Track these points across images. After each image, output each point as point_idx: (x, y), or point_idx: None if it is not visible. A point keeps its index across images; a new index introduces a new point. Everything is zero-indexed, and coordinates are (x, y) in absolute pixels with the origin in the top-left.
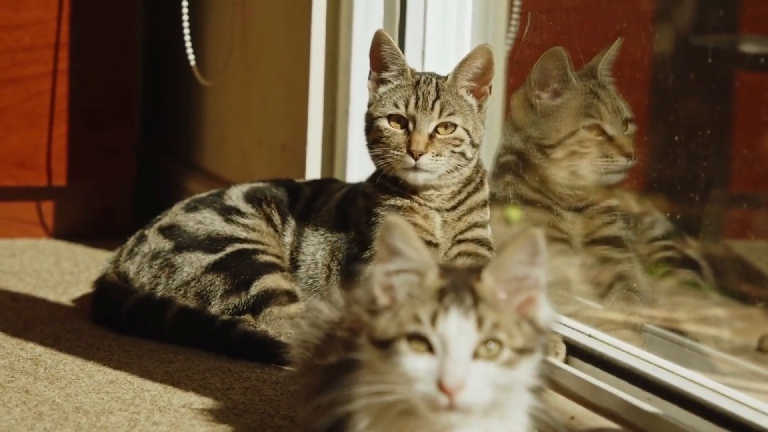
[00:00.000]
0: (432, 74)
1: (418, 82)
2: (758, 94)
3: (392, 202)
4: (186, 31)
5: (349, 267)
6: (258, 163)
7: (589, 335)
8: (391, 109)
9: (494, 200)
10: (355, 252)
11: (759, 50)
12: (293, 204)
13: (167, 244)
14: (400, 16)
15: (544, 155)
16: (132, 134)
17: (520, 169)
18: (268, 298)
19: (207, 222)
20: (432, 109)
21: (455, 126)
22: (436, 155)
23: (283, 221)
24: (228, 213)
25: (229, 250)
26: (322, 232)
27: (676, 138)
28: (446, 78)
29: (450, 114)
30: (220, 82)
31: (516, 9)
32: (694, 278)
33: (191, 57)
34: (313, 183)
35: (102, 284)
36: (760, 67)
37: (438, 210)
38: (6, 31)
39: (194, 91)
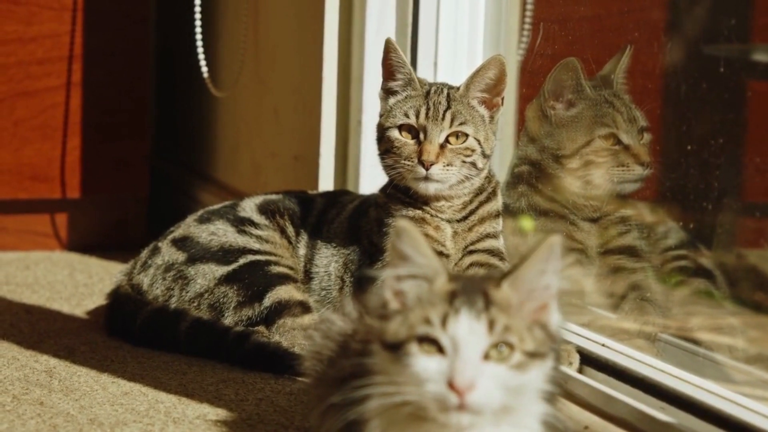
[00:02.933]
0: (444, 84)
1: (428, 92)
2: None
3: (404, 212)
4: (199, 42)
5: (361, 278)
6: (271, 174)
7: (603, 344)
8: (401, 119)
9: (509, 210)
10: (368, 262)
11: None
12: (306, 216)
13: (180, 256)
14: (412, 26)
15: (560, 165)
16: (145, 146)
17: (535, 179)
18: (281, 309)
19: (220, 233)
20: (443, 119)
21: (466, 136)
22: (447, 165)
23: (297, 233)
24: (241, 224)
25: (242, 261)
26: (335, 245)
27: (689, 147)
28: (458, 88)
29: (461, 124)
30: (232, 94)
31: (528, 19)
32: (707, 287)
33: (204, 69)
34: (326, 194)
35: (116, 296)
36: None
37: (449, 221)
38: (19, 44)
39: (207, 103)
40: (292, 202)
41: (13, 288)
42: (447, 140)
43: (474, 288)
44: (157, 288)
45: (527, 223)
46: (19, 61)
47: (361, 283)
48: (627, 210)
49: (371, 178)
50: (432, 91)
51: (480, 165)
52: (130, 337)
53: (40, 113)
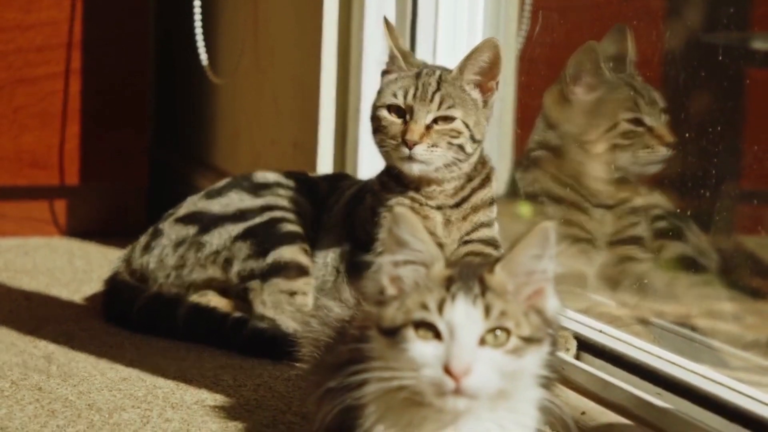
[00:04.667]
0: (437, 66)
1: (419, 74)
2: None
3: (394, 201)
4: (198, 30)
5: (357, 265)
6: (270, 161)
7: (600, 331)
8: (390, 99)
9: (520, 195)
10: (362, 250)
11: None
12: (313, 201)
13: (191, 230)
14: (411, 12)
15: (584, 150)
16: (144, 134)
17: (552, 164)
18: (279, 269)
19: (236, 200)
20: (431, 100)
21: (454, 119)
22: (432, 146)
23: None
24: (259, 189)
25: (259, 219)
26: (333, 233)
27: (687, 135)
28: (451, 71)
29: (449, 107)
30: (232, 82)
31: (527, 7)
32: (705, 275)
33: (203, 56)
34: (327, 178)
35: (113, 282)
36: None
37: (440, 208)
38: (18, 32)
39: (206, 91)
40: (299, 184)
41: (12, 274)
42: (435, 122)
43: (470, 274)
44: (169, 262)
45: (525, 208)
46: (19, 48)
47: (356, 270)
48: (647, 197)
49: (370, 165)
50: (423, 73)
51: (469, 149)
52: (127, 323)
53: (40, 100)
